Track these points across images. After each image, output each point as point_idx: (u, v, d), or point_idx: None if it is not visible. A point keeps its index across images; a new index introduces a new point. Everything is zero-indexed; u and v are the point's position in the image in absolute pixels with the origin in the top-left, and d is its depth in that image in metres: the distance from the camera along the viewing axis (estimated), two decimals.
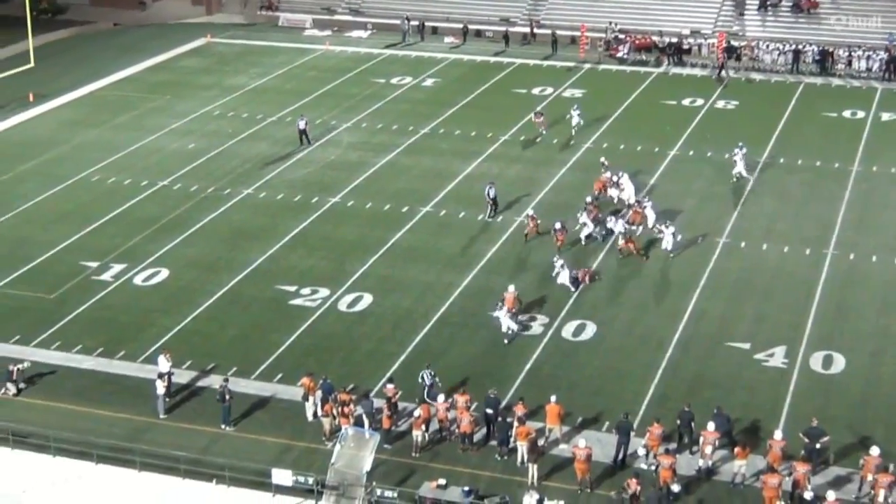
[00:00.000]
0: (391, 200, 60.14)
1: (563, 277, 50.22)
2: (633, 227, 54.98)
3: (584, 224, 54.48)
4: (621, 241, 53.19)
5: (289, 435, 41.20)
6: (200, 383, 44.33)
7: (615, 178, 59.03)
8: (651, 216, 55.09)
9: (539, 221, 54.75)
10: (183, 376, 44.57)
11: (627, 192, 58.50)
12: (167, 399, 42.55)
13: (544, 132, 68.55)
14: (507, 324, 46.85)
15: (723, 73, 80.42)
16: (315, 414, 41.61)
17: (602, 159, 61.55)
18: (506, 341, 46.75)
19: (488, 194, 57.73)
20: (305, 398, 41.75)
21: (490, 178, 59.65)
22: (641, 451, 38.76)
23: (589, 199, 56.37)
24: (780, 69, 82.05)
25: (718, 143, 66.85)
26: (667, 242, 53.11)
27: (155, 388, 42.41)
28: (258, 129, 71.05)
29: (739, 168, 61.13)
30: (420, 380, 42.64)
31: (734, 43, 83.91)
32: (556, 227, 53.70)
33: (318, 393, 41.52)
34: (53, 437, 40.07)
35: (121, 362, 45.75)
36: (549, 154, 66.11)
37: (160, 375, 42.57)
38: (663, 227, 53.55)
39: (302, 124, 67.74)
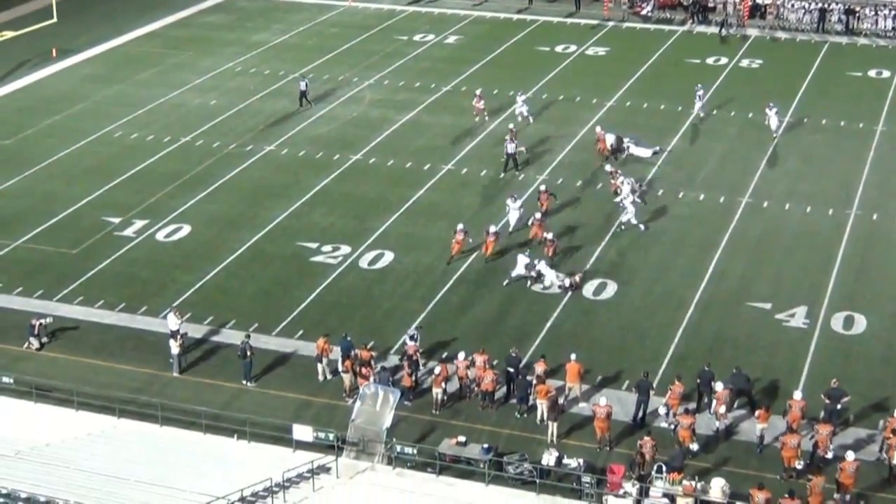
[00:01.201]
0: (413, 158, 60.09)
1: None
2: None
3: (513, 211, 51.85)
4: (535, 230, 50.27)
5: (309, 391, 41.40)
6: (221, 339, 44.55)
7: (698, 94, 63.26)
8: (626, 188, 53.34)
9: (466, 236, 49.88)
10: (204, 332, 44.88)
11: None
12: (183, 358, 42.71)
13: (480, 119, 64.01)
14: (519, 270, 47.33)
15: (723, 30, 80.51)
16: (327, 376, 41.76)
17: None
18: (504, 282, 47.60)
19: (506, 149, 57.58)
20: (319, 360, 41.85)
21: (510, 135, 59.44)
22: (662, 410, 38.80)
23: (543, 187, 53.83)
24: (806, 28, 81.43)
25: (743, 102, 66.59)
26: (629, 214, 52.22)
27: (170, 349, 42.62)
28: (280, 85, 70.92)
29: (773, 124, 61.14)
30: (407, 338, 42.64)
31: (759, 1, 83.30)
32: (488, 231, 49.70)
33: (333, 352, 41.60)
34: (76, 392, 40.36)
35: (143, 318, 45.97)
36: (573, 112, 65.83)
37: (173, 334, 42.73)
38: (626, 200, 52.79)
39: (303, 86, 67.17)
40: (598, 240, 51.33)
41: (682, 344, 43.83)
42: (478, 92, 65.19)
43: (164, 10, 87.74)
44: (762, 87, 69.31)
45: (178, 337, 42.54)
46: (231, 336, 44.35)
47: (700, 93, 64.32)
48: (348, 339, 41.78)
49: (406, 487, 36.37)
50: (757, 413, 37.85)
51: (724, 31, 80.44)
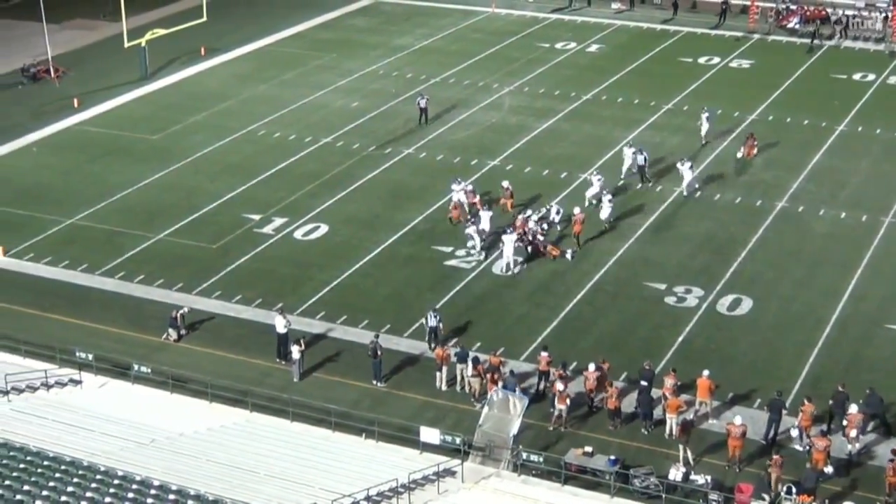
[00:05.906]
0: (550, 165, 60.02)
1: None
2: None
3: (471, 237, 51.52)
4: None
5: (436, 394, 41.63)
6: (354, 338, 45.00)
7: (704, 116, 62.42)
8: (687, 176, 55.90)
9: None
10: (337, 331, 45.44)
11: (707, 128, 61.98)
12: (302, 362, 42.84)
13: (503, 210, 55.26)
14: (508, 258, 48.23)
15: (815, 41, 79.66)
16: (445, 385, 41.80)
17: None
18: (508, 273, 48.70)
19: (637, 161, 57.28)
20: (439, 368, 41.94)
21: (638, 145, 59.09)
22: (794, 433, 38.16)
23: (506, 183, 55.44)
24: None
25: (889, 119, 65.20)
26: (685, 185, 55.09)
27: (290, 353, 42.84)
28: (421, 89, 71.34)
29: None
30: (424, 321, 43.64)
31: None
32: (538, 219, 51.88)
33: (453, 361, 41.72)
34: (211, 384, 41.18)
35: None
36: (715, 125, 65.04)
37: (293, 339, 42.92)
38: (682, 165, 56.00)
39: (423, 103, 66.25)
40: (735, 255, 50.73)
41: (817, 364, 43.06)
42: (469, 188, 55.24)
43: (310, 12, 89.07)
44: None
45: (301, 342, 42.77)
46: (363, 336, 44.77)
47: (706, 115, 62.59)
48: (464, 348, 42.03)
49: (530, 495, 36.34)
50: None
51: (814, 42, 79.35)
